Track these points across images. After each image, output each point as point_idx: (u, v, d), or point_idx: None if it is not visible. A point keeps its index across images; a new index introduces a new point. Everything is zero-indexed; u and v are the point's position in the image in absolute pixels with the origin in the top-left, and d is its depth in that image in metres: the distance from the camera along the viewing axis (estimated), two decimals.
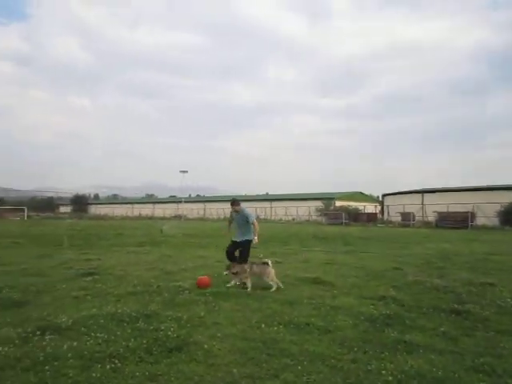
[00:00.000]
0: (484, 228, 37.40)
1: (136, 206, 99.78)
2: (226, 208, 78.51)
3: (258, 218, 10.49)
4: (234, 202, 8.59)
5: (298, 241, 21.01)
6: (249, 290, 7.43)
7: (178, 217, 70.36)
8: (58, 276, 8.70)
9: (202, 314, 5.64)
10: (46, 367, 3.65)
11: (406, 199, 53.52)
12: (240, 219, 8.59)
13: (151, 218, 71.60)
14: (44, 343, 4.24)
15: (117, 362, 3.82)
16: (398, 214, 50.23)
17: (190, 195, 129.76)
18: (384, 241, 21.73)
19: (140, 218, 72.39)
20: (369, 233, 29.94)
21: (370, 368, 3.82)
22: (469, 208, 41.67)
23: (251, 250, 8.71)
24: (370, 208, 62.82)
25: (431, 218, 45.54)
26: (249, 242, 8.55)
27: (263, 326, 5.11)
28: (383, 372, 3.69)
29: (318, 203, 64.72)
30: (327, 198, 66.45)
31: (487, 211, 41.21)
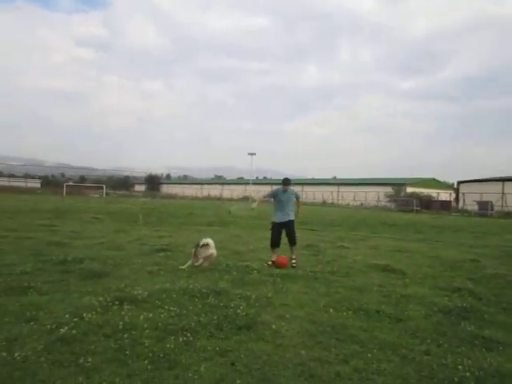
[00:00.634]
0: None
1: (205, 186, 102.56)
2: None
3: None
4: (289, 180, 8.46)
5: (366, 227, 20.53)
6: (185, 266, 7.33)
7: (245, 198, 71.42)
8: (133, 251, 9.18)
9: (270, 294, 5.68)
10: (125, 335, 3.86)
11: (484, 187, 50.27)
12: (286, 198, 8.41)
13: (219, 198, 73.27)
14: (122, 313, 4.50)
15: (189, 335, 3.96)
16: (475, 203, 47.35)
17: (257, 177, 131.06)
18: (459, 230, 20.63)
19: (209, 198, 74.39)
20: (442, 221, 28.56)
21: (444, 362, 3.64)
22: None
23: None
24: (443, 195, 59.79)
25: None
26: (293, 221, 8.54)
27: (331, 310, 5.05)
28: (459, 367, 3.50)
29: (388, 189, 62.68)
30: (398, 184, 64.14)
31: None
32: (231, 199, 70.69)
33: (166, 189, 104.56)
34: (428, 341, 4.16)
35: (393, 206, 54.72)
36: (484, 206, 44.52)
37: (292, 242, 8.40)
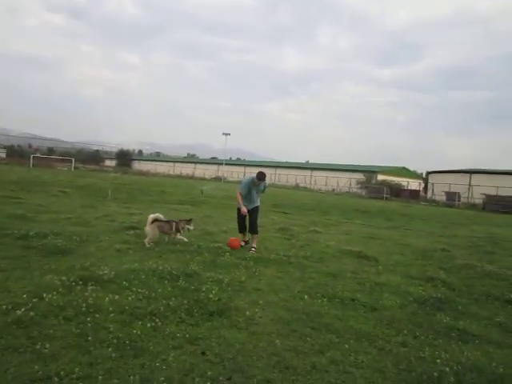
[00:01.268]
0: None
1: (178, 164, 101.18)
2: (266, 173, 78.17)
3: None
4: (264, 176, 7.98)
5: (338, 212, 20.62)
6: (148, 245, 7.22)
7: (218, 178, 70.88)
8: (101, 227, 8.81)
9: (243, 278, 5.50)
10: (88, 319, 3.60)
11: (452, 178, 51.46)
12: (256, 189, 8.08)
13: (192, 177, 72.52)
14: (86, 294, 4.22)
15: (157, 320, 3.73)
16: (443, 193, 48.52)
17: (230, 158, 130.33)
18: (428, 219, 21.00)
19: (181, 176, 73.45)
20: (411, 210, 29.07)
21: (422, 355, 3.55)
22: None
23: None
24: (413, 185, 60.99)
25: (478, 200, 43.70)
26: (258, 208, 8.24)
27: (306, 297, 4.92)
28: (437, 361, 3.41)
29: (360, 175, 63.41)
30: (369, 171, 64.95)
31: None
32: (203, 179, 70.08)
33: (137, 165, 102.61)
34: (404, 332, 4.08)
35: (364, 193, 55.43)
36: (451, 197, 45.65)
37: (251, 229, 7.99)
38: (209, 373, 2.94)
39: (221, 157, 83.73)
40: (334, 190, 63.38)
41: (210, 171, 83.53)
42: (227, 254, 6.95)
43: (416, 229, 15.18)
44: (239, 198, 7.98)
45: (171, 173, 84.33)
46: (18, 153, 76.98)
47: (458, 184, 48.33)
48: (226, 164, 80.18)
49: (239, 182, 8.48)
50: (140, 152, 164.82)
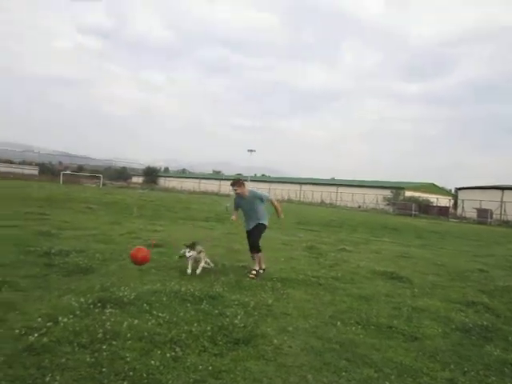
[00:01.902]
0: None
1: (203, 181, 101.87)
2: (291, 190, 78.16)
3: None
4: (235, 182, 6.74)
5: (366, 229, 20.02)
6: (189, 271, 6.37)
7: None
8: (125, 245, 8.63)
9: (270, 301, 5.16)
10: (104, 346, 3.34)
11: (483, 195, 49.89)
12: (248, 204, 6.84)
13: (217, 194, 72.67)
14: (104, 317, 3.96)
15: (178, 349, 3.43)
16: (474, 210, 46.95)
17: (255, 175, 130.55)
18: (460, 237, 20.18)
19: (206, 193, 73.76)
20: (442, 227, 28.12)
21: None
22: None
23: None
24: (442, 201, 59.36)
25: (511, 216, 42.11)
26: (263, 225, 6.91)
27: (338, 323, 4.54)
28: None
29: (387, 192, 62.21)
30: (397, 187, 63.66)
31: None
32: (229, 195, 70.06)
33: (163, 182, 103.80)
34: (451, 366, 3.65)
35: (391, 210, 54.26)
36: (483, 214, 44.14)
37: (251, 247, 6.83)
38: None
39: (246, 173, 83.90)
40: (359, 206, 62.32)
41: None
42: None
43: (449, 247, 14.50)
44: (234, 213, 7.21)
45: (196, 189, 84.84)
46: (50, 170, 79.07)
47: (490, 200, 46.77)
48: (251, 181, 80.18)
49: None
50: (166, 169, 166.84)
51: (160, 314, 4.21)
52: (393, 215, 46.24)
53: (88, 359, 3.13)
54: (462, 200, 54.53)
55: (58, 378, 2.83)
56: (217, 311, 4.51)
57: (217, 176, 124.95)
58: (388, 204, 58.55)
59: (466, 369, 3.62)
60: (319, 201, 68.65)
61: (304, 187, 76.79)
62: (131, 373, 2.97)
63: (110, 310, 4.22)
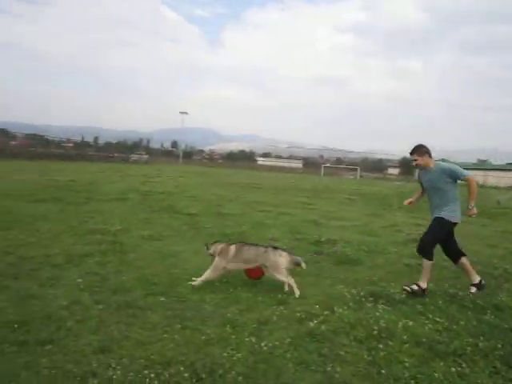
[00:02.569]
0: None
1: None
2: None
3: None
4: (415, 148, 4.96)
5: None
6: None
7: None
8: (388, 238, 8.45)
9: None
10: (380, 345, 3.20)
11: None
12: (431, 182, 4.92)
13: (481, 186, 64.79)
14: (377, 313, 3.84)
15: (464, 364, 3.00)
16: None
17: None
18: None
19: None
20: None
21: None
22: None
23: None
24: None
25: None
26: (444, 221, 4.80)
27: None
28: None
29: None
30: None
31: None
32: (497, 187, 61.50)
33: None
34: None
35: None
36: None
37: (418, 247, 4.95)
38: None
39: None
40: None
41: (506, 179, 72.79)
42: None
43: None
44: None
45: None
46: (312, 163, 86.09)
47: None
48: None
49: None
50: None
51: (437, 319, 3.82)
52: None
53: (365, 356, 3.05)
54: None
55: (338, 369, 2.84)
56: (506, 326, 3.81)
57: (481, 166, 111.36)
58: None
59: None
60: None
61: None
62: (412, 381, 2.73)
63: (381, 305, 4.08)
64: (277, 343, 3.15)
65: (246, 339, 3.21)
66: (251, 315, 3.76)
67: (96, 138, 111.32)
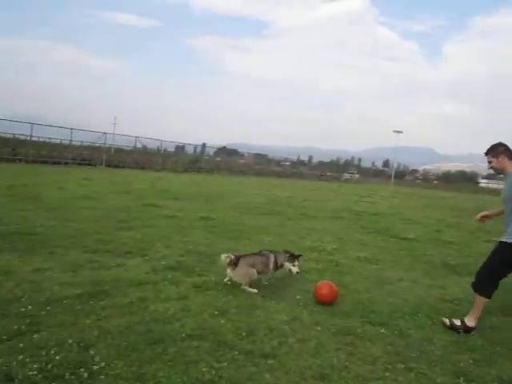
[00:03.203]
0: None
1: None
2: None
3: None
4: (489, 148, 4.12)
5: None
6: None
7: None
8: None
9: None
10: None
11: None
12: (504, 193, 4.08)
13: None
14: None
15: None
16: None
17: None
18: None
19: None
20: None
21: None
22: None
23: None
24: None
25: None
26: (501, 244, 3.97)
27: None
28: None
29: None
30: None
31: None
32: None
33: None
34: None
35: None
36: None
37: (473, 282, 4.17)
38: None
39: None
40: None
41: None
42: None
43: None
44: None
45: None
46: None
47: None
48: None
49: None
50: None
51: None
52: None
53: None
54: None
55: None
56: None
57: None
58: None
59: None
60: None
61: None
62: None
63: None
64: None
65: None
66: (490, 370, 3.16)
67: (310, 157, 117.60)
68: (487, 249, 8.73)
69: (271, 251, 4.99)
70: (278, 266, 4.90)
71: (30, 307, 3.51)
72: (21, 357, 2.69)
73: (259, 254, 4.94)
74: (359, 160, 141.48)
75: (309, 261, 6.14)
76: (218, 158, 56.56)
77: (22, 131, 29.72)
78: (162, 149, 45.78)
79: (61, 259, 5.13)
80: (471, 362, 3.27)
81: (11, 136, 30.73)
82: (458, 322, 4.00)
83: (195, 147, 59.83)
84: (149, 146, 44.65)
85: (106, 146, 36.09)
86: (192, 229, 7.96)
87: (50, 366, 2.62)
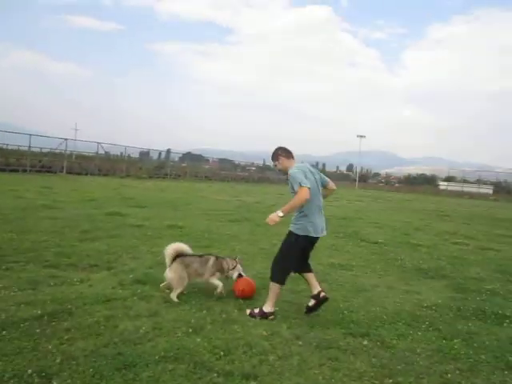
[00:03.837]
0: None
1: None
2: None
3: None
4: (272, 153, 4.55)
5: None
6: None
7: None
8: None
9: None
10: None
11: None
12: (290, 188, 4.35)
13: None
14: None
15: None
16: None
17: None
18: None
19: None
20: None
21: None
22: None
23: None
24: None
25: None
26: (291, 235, 4.49)
27: None
28: None
29: None
30: None
31: None
32: None
33: None
34: None
35: None
36: None
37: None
38: None
39: None
40: None
41: None
42: None
43: None
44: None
45: None
46: (505, 189, 75.53)
47: None
48: None
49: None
50: None
51: None
52: None
53: None
54: None
55: None
56: None
57: None
58: None
59: None
60: None
61: None
62: None
63: None
64: None
65: None
66: (476, 380, 3.08)
67: None
68: (456, 251, 8.96)
69: (217, 256, 4.87)
70: (222, 272, 4.76)
71: None
72: None
73: (201, 255, 4.80)
74: (323, 165, 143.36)
75: None
76: (184, 164, 55.89)
77: None
78: (126, 155, 44.81)
79: (18, 276, 4.76)
80: (457, 372, 3.18)
81: None
82: (261, 311, 4.11)
83: (160, 153, 59.08)
84: (112, 152, 43.52)
85: (67, 152, 34.77)
86: (160, 238, 7.64)
87: None
